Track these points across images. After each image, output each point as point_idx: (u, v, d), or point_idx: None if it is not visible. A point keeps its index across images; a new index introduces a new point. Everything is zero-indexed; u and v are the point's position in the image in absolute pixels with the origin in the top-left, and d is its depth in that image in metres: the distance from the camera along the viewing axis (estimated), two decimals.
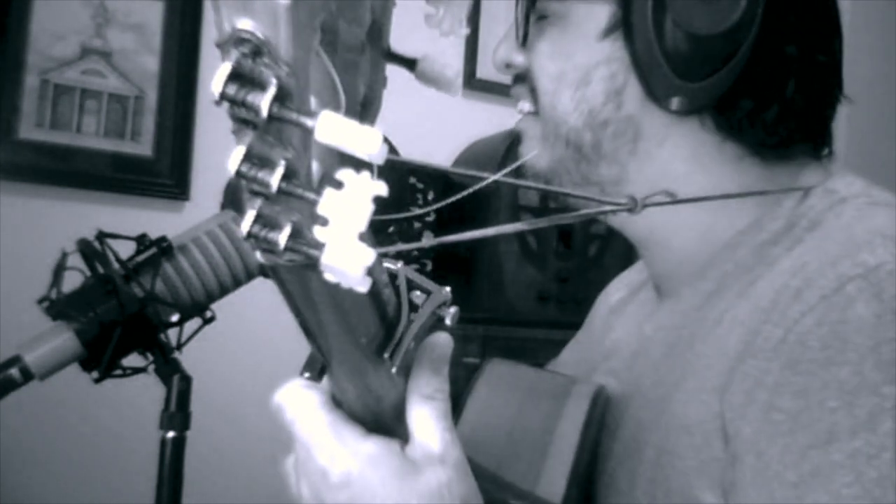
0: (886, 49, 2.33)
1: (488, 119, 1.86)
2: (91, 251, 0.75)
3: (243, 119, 0.25)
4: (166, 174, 1.69)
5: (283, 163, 0.26)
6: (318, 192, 0.26)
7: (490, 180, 0.42)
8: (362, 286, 0.28)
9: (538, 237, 1.71)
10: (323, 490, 0.45)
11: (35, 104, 1.59)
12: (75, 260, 0.76)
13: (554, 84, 0.60)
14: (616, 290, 0.81)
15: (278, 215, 0.28)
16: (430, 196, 1.68)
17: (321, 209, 0.26)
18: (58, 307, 0.74)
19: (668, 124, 0.59)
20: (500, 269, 1.67)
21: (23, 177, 1.57)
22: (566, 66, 0.60)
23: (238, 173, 0.26)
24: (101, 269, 0.75)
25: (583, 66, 0.59)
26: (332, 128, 0.25)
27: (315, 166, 0.27)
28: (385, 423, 0.45)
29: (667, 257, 0.64)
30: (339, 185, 0.26)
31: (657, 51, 0.55)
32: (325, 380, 0.46)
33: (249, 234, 0.28)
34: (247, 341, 1.60)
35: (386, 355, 0.41)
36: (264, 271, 0.79)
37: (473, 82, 1.98)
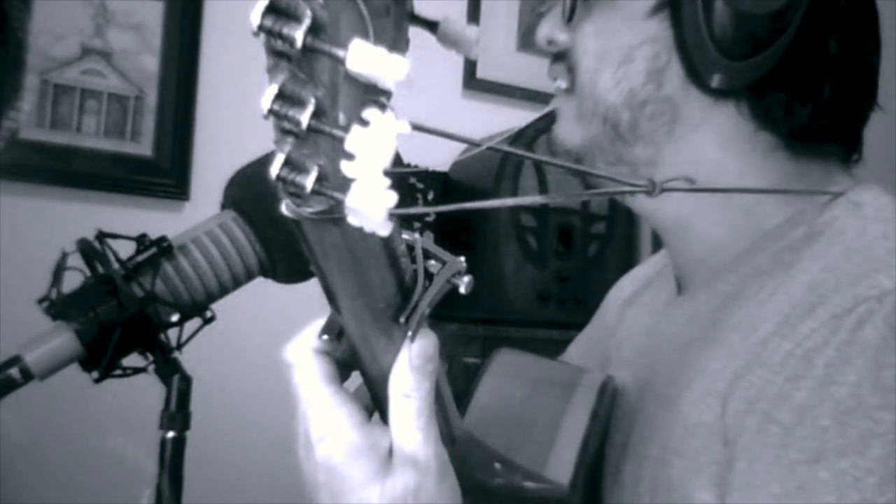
0: (886, 49, 2.33)
1: (488, 119, 1.85)
2: (91, 251, 0.75)
3: (278, 52, 0.27)
4: (166, 174, 1.69)
5: (313, 101, 0.28)
6: (346, 129, 0.28)
7: (483, 147, 0.43)
8: (384, 230, 0.29)
9: (538, 237, 1.71)
10: (308, 461, 0.46)
11: (35, 104, 1.59)
12: (75, 260, 0.76)
13: (596, 62, 0.61)
14: (629, 284, 0.82)
15: (306, 159, 0.29)
16: (430, 196, 1.68)
17: (348, 145, 0.27)
18: (58, 307, 0.73)
19: (706, 107, 0.59)
20: (500, 269, 1.67)
21: (23, 177, 1.57)
22: (610, 43, 0.60)
23: (270, 111, 0.28)
24: (101, 269, 0.75)
25: (626, 45, 0.59)
26: (362, 56, 0.26)
27: (342, 106, 0.28)
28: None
29: (691, 249, 0.64)
30: (365, 123, 0.28)
31: (703, 27, 0.55)
32: (337, 345, 0.47)
33: (278, 178, 0.30)
34: (247, 341, 1.60)
35: (402, 319, 0.42)
36: (264, 271, 0.79)
37: (473, 82, 1.98)
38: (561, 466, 0.58)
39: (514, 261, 1.69)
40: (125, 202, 1.65)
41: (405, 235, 0.42)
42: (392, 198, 0.28)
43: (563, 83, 0.64)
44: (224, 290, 0.80)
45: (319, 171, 0.29)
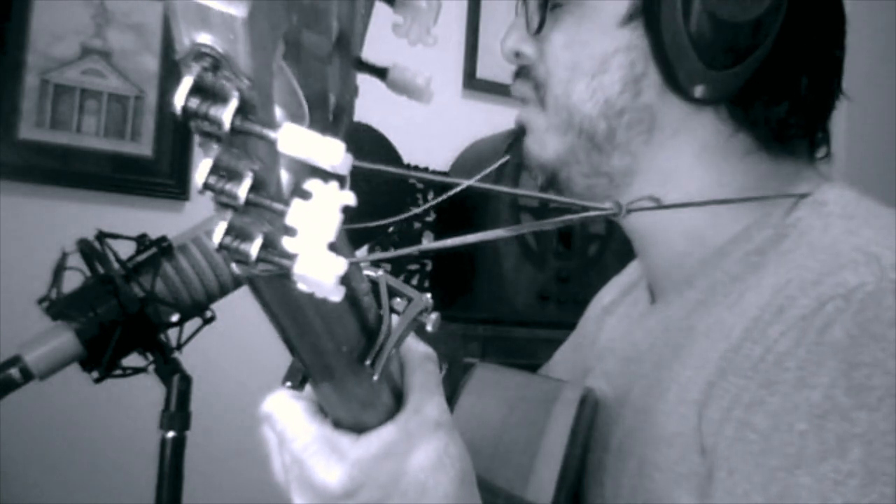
0: (886, 49, 2.33)
1: (488, 119, 1.86)
2: (91, 251, 0.75)
3: (207, 132, 0.25)
4: (166, 174, 1.69)
5: (250, 174, 0.26)
6: (287, 202, 0.26)
7: (465, 185, 0.42)
8: (336, 295, 0.28)
9: (538, 237, 1.72)
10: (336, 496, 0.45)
11: (35, 104, 1.59)
12: (75, 260, 0.76)
13: (569, 73, 0.59)
14: (608, 293, 0.81)
15: (249, 226, 0.28)
16: (430, 196, 1.68)
17: (289, 220, 0.26)
18: (58, 307, 0.73)
19: (684, 114, 0.58)
20: (500, 269, 1.67)
21: (23, 177, 1.57)
22: (582, 54, 0.59)
23: (206, 185, 0.26)
24: (101, 269, 0.75)
25: (599, 55, 0.58)
26: (294, 140, 0.24)
27: (284, 177, 0.27)
28: (368, 430, 0.45)
29: (660, 256, 0.64)
30: (307, 195, 0.26)
31: (684, 37, 0.54)
32: (309, 388, 0.46)
33: (221, 246, 0.28)
34: (247, 341, 1.60)
35: (367, 363, 0.41)
36: None
37: (473, 82, 1.98)
38: (542, 488, 0.57)
39: (514, 261, 1.69)
40: (125, 202, 1.66)
41: (368, 272, 0.40)
42: (341, 265, 0.26)
43: (531, 101, 0.63)
44: (224, 290, 0.79)
45: (265, 238, 0.28)
